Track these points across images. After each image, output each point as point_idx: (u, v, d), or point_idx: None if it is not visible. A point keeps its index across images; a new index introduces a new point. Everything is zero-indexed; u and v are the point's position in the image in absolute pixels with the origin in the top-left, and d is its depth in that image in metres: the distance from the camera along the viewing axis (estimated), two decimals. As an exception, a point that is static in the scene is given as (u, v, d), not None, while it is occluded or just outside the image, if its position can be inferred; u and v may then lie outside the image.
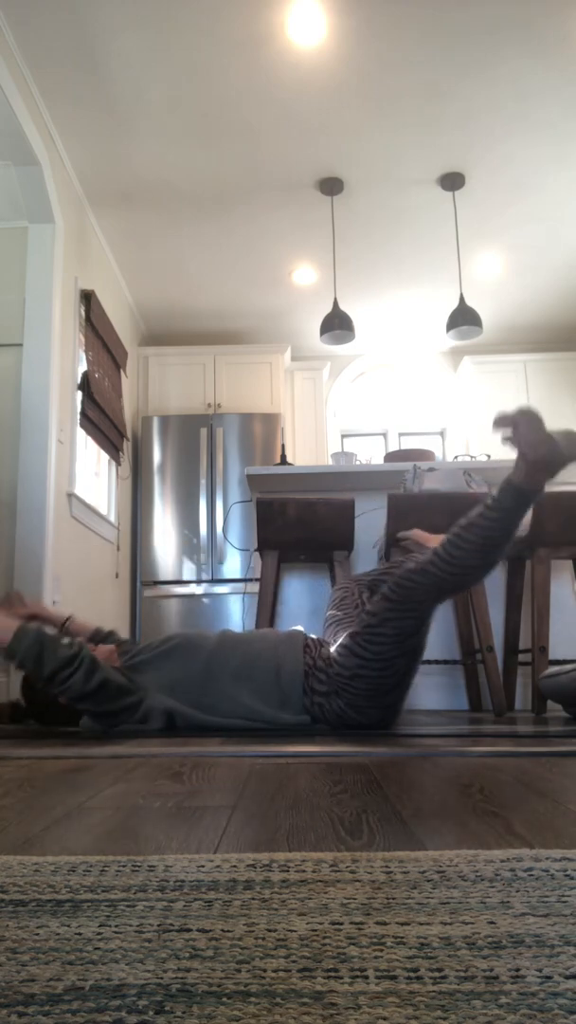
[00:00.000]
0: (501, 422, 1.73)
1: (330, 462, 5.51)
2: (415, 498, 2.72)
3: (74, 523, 4.16)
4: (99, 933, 0.44)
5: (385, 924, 0.44)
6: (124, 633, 5.24)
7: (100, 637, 2.29)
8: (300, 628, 2.14)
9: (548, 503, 2.70)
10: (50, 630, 1.96)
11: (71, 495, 4.08)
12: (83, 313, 4.46)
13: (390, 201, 4.59)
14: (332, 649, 1.94)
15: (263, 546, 2.87)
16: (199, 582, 5.28)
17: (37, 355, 3.81)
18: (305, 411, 6.15)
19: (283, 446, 3.89)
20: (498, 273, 5.39)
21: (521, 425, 1.72)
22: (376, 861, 0.58)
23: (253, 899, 0.50)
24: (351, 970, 0.38)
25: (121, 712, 1.90)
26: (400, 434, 6.56)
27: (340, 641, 1.92)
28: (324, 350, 6.56)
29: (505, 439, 1.75)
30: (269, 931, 0.44)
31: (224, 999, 0.34)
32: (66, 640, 1.89)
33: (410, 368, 6.60)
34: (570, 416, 6.05)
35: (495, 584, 3.20)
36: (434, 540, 2.52)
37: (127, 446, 5.44)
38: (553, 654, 3.13)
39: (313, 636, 2.06)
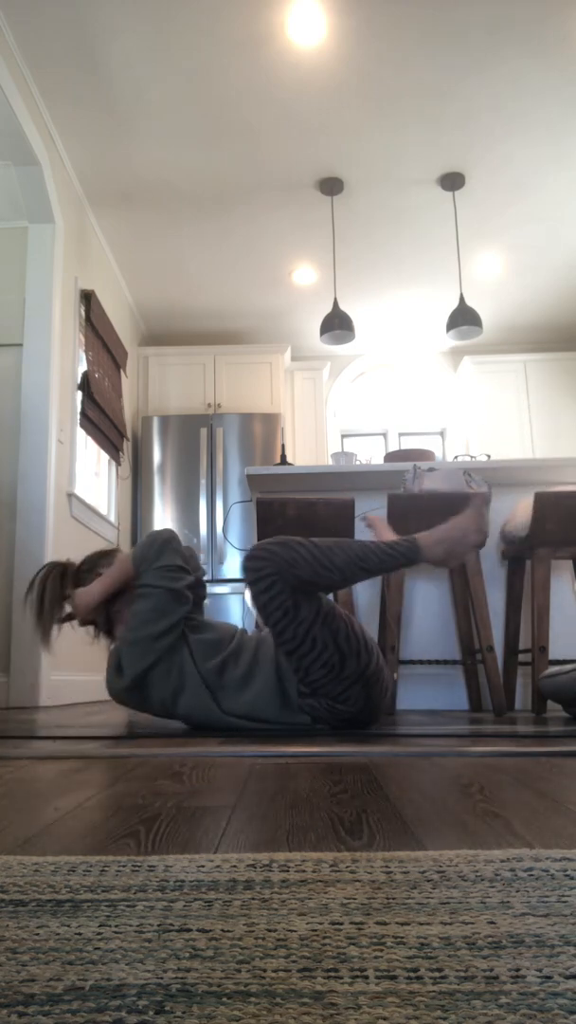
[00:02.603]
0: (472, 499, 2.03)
1: (330, 462, 5.51)
2: (415, 498, 2.72)
3: (74, 523, 4.16)
4: (99, 933, 0.44)
5: (385, 924, 0.44)
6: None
7: None
8: None
9: (548, 503, 2.70)
10: None
11: (71, 495, 4.08)
12: (83, 313, 4.46)
13: (390, 201, 4.59)
14: None
15: (263, 546, 2.86)
16: (199, 582, 5.28)
17: (37, 355, 3.81)
18: (305, 411, 6.15)
19: (283, 446, 3.89)
20: (498, 273, 5.39)
21: (482, 510, 2.00)
22: (376, 861, 0.58)
23: (253, 899, 0.50)
24: (351, 970, 0.38)
25: (163, 638, 1.95)
26: (400, 434, 6.56)
27: None
28: (324, 350, 6.56)
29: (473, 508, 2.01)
30: (269, 931, 0.44)
31: (224, 999, 0.34)
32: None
33: (410, 368, 6.60)
34: (570, 416, 6.05)
35: (495, 584, 3.20)
36: (389, 535, 2.59)
37: (127, 446, 5.44)
38: (553, 654, 3.13)
39: None
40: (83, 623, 2.13)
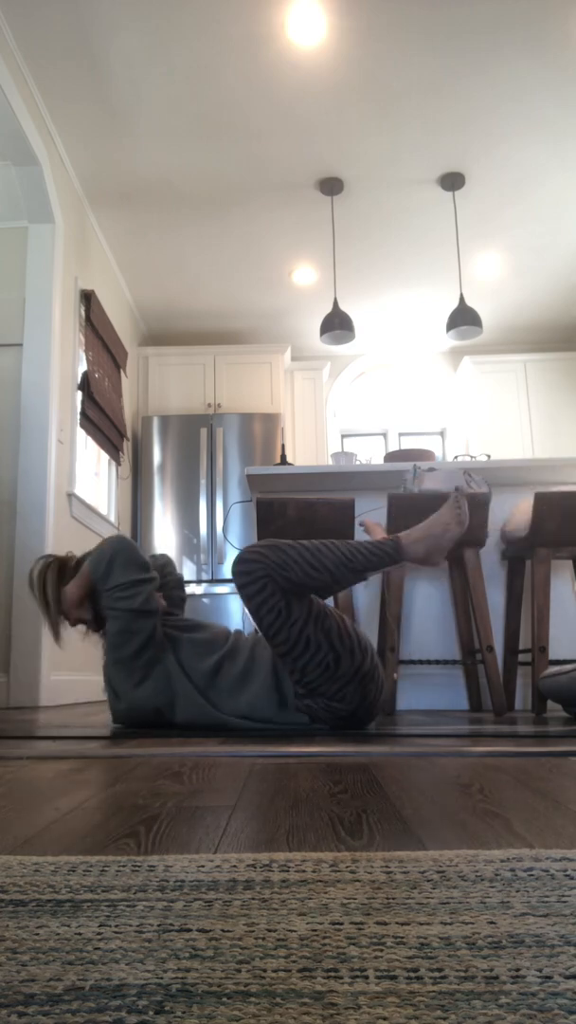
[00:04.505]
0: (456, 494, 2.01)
1: (330, 462, 5.51)
2: (415, 498, 2.72)
3: (74, 523, 4.16)
4: (99, 933, 0.44)
5: (385, 924, 0.44)
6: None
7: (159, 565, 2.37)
8: None
9: (548, 503, 2.70)
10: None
11: (71, 495, 4.07)
12: (83, 313, 4.46)
13: (390, 201, 4.59)
14: None
15: (263, 546, 2.86)
16: (199, 582, 5.28)
17: (37, 355, 3.81)
18: (305, 411, 6.15)
19: (283, 446, 3.89)
20: (498, 273, 5.39)
21: (460, 503, 1.98)
22: (376, 861, 0.58)
23: (253, 899, 0.50)
24: (351, 970, 0.38)
25: (141, 655, 1.96)
26: (400, 434, 6.56)
27: None
28: (324, 350, 6.56)
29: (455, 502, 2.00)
30: (269, 931, 0.44)
31: (224, 999, 0.34)
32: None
33: (410, 368, 6.60)
34: (570, 416, 6.05)
35: (495, 584, 3.20)
36: (382, 532, 2.66)
37: (127, 446, 5.44)
38: (553, 654, 3.13)
39: None
40: (72, 623, 2.12)
